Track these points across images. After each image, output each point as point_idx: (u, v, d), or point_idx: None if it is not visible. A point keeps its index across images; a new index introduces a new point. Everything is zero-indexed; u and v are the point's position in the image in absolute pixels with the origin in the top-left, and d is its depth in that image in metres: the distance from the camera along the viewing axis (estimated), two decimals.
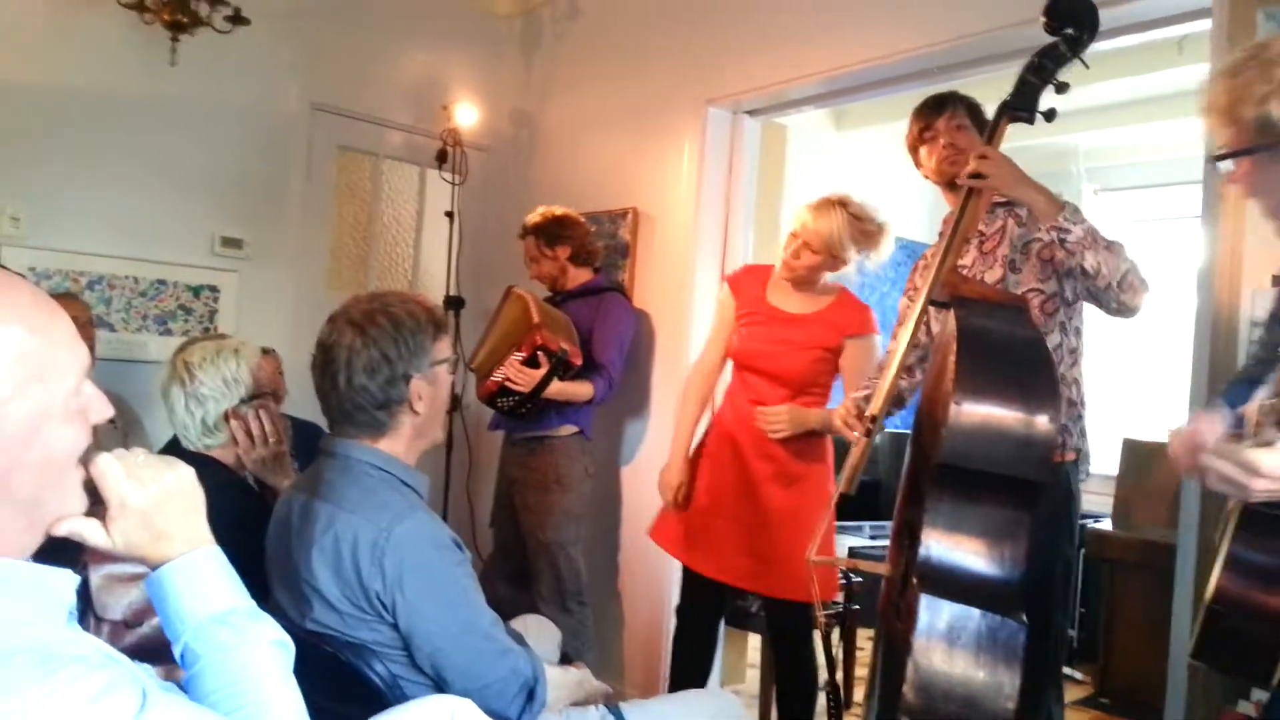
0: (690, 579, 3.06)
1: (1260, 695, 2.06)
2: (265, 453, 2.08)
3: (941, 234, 2.54)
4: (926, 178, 2.56)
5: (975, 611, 1.60)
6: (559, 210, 3.61)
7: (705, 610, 3.09)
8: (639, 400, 3.80)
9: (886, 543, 2.54)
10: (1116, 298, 2.13)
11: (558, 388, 3.32)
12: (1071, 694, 3.96)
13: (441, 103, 4.28)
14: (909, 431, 2.30)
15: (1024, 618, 1.61)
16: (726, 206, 3.73)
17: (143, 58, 3.66)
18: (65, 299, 3.07)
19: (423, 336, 1.75)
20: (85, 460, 1.04)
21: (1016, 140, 2.16)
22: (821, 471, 2.91)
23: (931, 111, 2.50)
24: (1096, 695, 4.14)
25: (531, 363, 3.29)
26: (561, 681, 1.89)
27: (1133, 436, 4.36)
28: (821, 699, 2.69)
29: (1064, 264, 2.17)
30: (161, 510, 1.09)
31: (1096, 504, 4.37)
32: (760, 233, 3.92)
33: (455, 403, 3.67)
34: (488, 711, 1.44)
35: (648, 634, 3.71)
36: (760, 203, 3.94)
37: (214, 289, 3.99)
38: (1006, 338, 1.84)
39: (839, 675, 2.70)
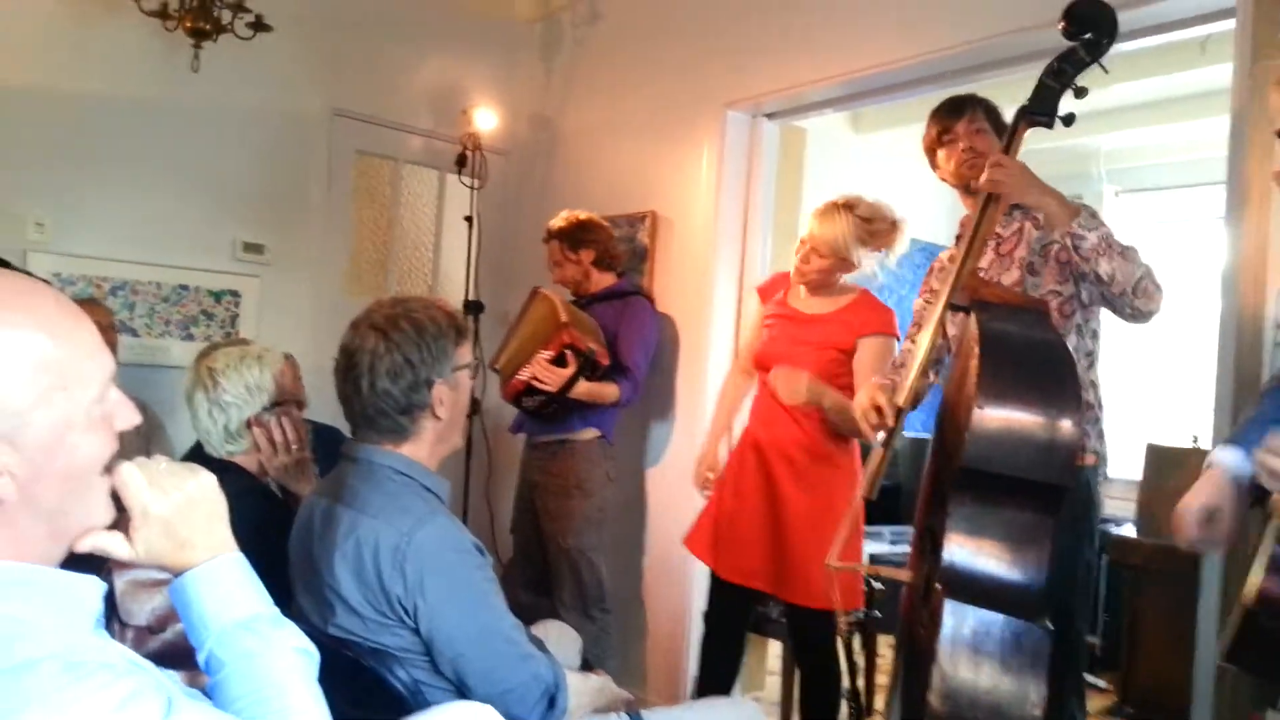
0: (716, 583, 3.06)
1: None
2: (288, 459, 2.09)
3: (959, 236, 2.53)
4: (944, 180, 2.55)
5: (1000, 618, 1.59)
6: (583, 214, 3.61)
7: (731, 615, 3.07)
8: (662, 404, 3.79)
9: (907, 548, 2.53)
10: (1131, 304, 2.11)
11: (584, 388, 3.33)
12: (1095, 702, 3.92)
13: (461, 107, 4.29)
14: (928, 436, 2.29)
15: (1049, 624, 1.60)
16: (745, 209, 3.73)
17: (166, 64, 3.69)
18: (88, 304, 3.09)
19: (445, 341, 1.75)
20: (109, 468, 1.03)
21: (1036, 142, 2.15)
22: (841, 477, 2.89)
23: (950, 115, 2.49)
24: (1120, 703, 4.10)
25: (559, 362, 3.30)
26: (582, 688, 1.89)
27: (1156, 441, 4.32)
28: (843, 706, 2.68)
29: (1079, 268, 2.16)
30: (184, 518, 1.09)
31: (1120, 509, 4.34)
32: (779, 235, 3.90)
33: (475, 407, 3.67)
34: (509, 717, 1.45)
35: (669, 640, 3.70)
36: (779, 205, 3.93)
37: (235, 294, 4.01)
38: (1028, 341, 1.84)
39: (860, 682, 2.69)
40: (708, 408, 3.58)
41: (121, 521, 1.06)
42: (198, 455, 2.09)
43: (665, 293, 3.83)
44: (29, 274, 2.53)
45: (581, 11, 4.45)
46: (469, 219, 4.22)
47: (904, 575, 2.13)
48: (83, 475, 0.99)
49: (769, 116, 3.71)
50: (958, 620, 1.60)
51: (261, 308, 4.06)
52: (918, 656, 1.78)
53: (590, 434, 3.48)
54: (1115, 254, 2.07)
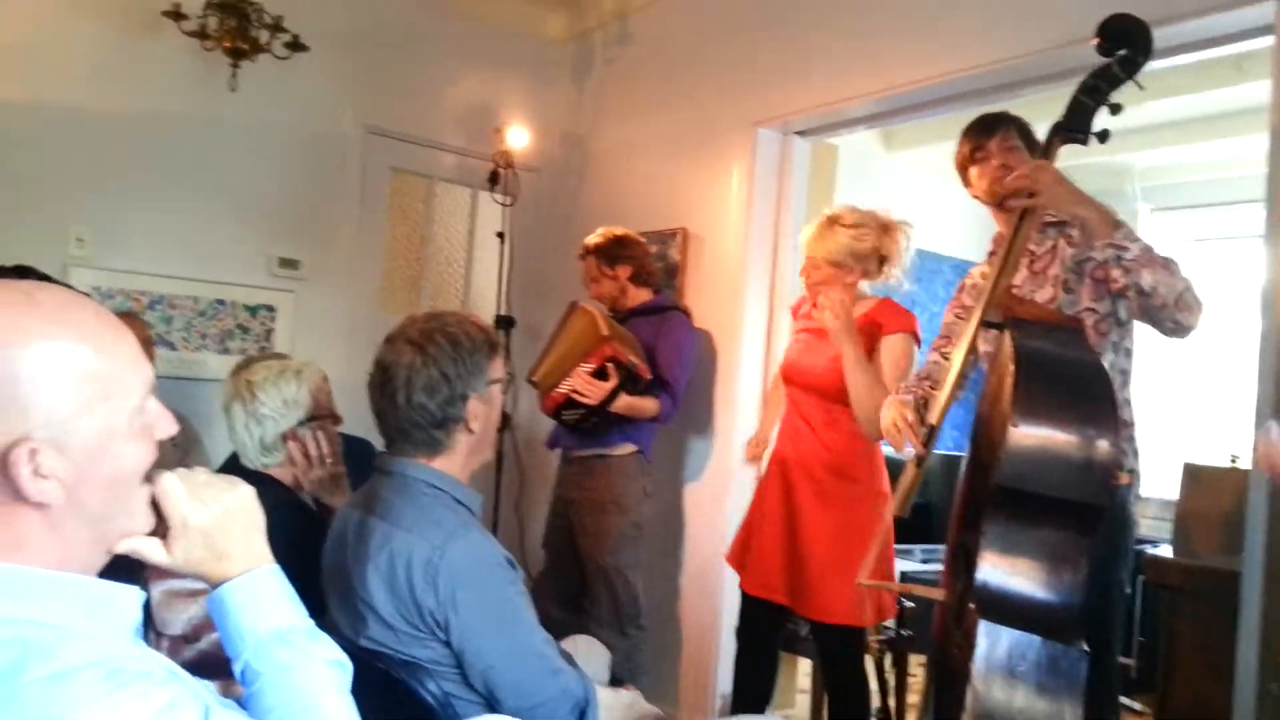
0: (744, 599, 3.06)
1: None
2: (323, 473, 2.11)
3: (991, 253, 2.52)
4: (975, 198, 2.54)
5: (1036, 639, 1.57)
6: (619, 231, 3.62)
7: (761, 632, 3.05)
8: (701, 420, 3.79)
9: (939, 567, 2.51)
10: (1172, 316, 2.07)
11: (625, 402, 3.33)
12: None
13: (493, 125, 4.32)
14: (960, 454, 2.27)
15: (1085, 646, 1.58)
16: (776, 226, 3.72)
17: (204, 84, 3.76)
18: (126, 318, 3.12)
19: (480, 356, 1.77)
20: (150, 477, 1.05)
21: (1070, 159, 2.13)
22: (863, 494, 2.86)
23: (983, 132, 2.47)
24: None
25: (600, 375, 3.30)
26: (612, 703, 1.89)
27: (1193, 461, 4.26)
28: None
29: (1119, 282, 2.13)
30: (222, 530, 1.11)
31: (1156, 529, 4.28)
32: None
33: (505, 421, 3.68)
34: None
35: (700, 657, 3.69)
36: (810, 223, 3.92)
37: (270, 309, 4.06)
38: (1064, 359, 1.82)
39: (891, 701, 2.66)
40: (740, 424, 3.58)
41: (159, 531, 1.08)
42: (234, 467, 2.11)
43: (696, 309, 3.83)
44: (70, 287, 2.57)
45: (613, 31, 4.48)
46: (501, 235, 4.24)
47: (937, 594, 2.11)
48: (125, 482, 1.02)
49: (799, 134, 3.71)
50: (992, 641, 1.58)
51: (296, 323, 4.11)
52: (951, 676, 1.76)
53: (628, 449, 3.47)
54: (1158, 266, 2.04)
